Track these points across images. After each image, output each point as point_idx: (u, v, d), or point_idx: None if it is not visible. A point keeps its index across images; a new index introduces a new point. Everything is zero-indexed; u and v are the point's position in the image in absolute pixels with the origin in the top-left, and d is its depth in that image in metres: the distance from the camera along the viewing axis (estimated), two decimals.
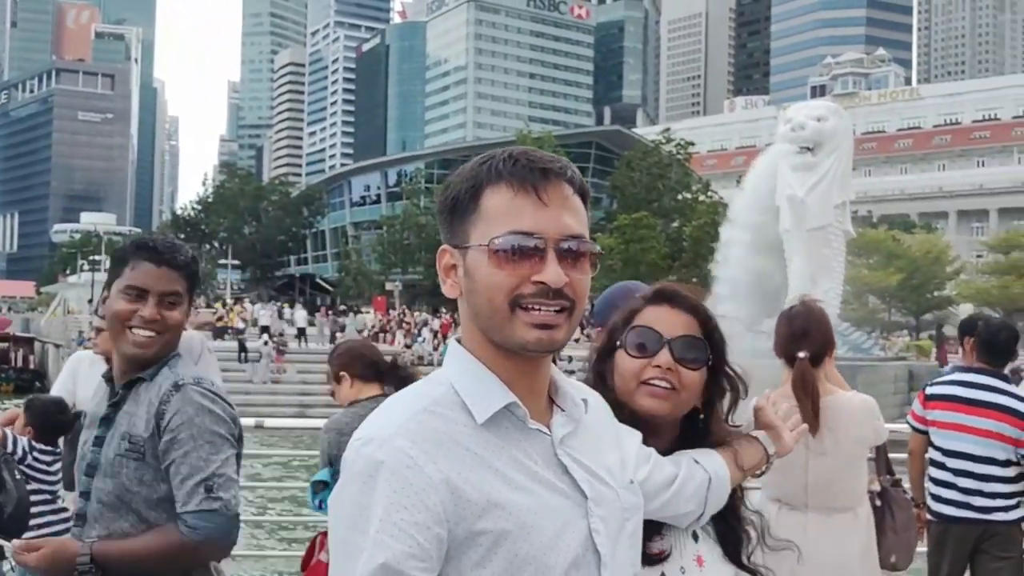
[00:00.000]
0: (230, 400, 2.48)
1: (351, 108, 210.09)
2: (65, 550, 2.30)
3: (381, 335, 40.12)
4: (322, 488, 3.97)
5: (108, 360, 4.90)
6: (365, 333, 37.39)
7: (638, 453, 1.79)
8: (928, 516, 4.63)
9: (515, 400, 1.38)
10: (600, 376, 1.98)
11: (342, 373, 4.09)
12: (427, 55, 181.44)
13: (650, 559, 1.80)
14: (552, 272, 1.33)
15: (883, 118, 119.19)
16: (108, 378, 2.51)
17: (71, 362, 5.44)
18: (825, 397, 3.52)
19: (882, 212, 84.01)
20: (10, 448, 4.01)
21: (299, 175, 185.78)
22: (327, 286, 73.19)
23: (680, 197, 58.29)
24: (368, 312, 44.97)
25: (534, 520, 1.32)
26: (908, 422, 4.87)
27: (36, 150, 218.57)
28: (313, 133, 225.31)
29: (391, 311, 46.44)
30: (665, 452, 1.89)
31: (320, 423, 5.10)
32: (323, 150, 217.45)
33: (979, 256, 70.46)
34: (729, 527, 1.99)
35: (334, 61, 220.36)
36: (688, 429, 2.01)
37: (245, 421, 6.41)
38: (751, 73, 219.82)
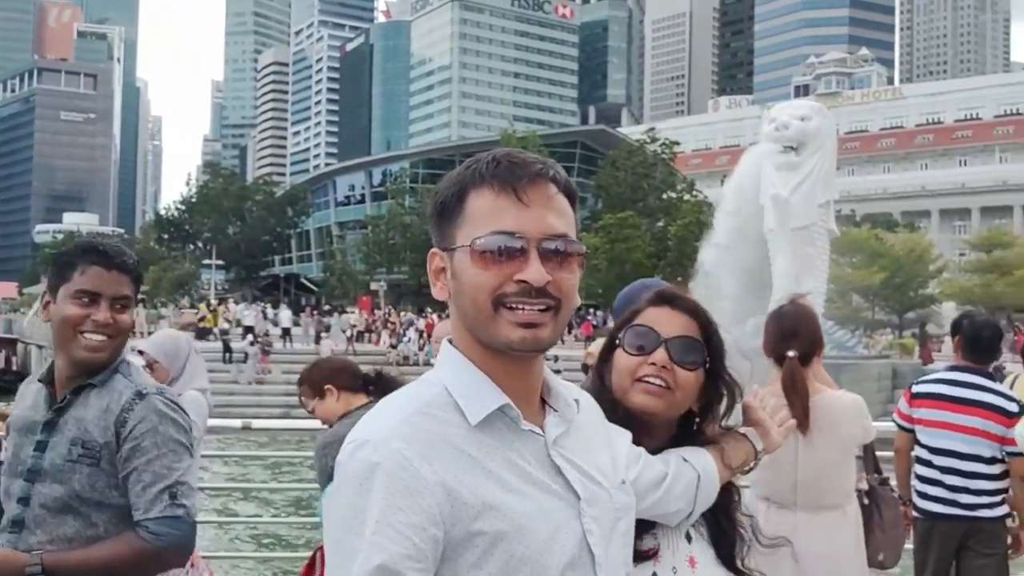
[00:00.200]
0: (187, 410, 2.49)
1: (335, 108, 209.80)
2: (9, 562, 2.22)
3: (366, 335, 40.09)
4: None
5: None
6: (349, 333, 37.34)
7: (628, 453, 1.80)
8: (914, 513, 4.66)
9: (508, 402, 1.38)
10: (601, 376, 2.01)
11: (327, 387, 4.00)
12: (411, 54, 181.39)
13: (640, 556, 1.80)
14: (534, 271, 1.34)
15: (866, 117, 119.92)
16: (48, 381, 2.46)
17: None
18: (814, 396, 3.54)
19: (865, 211, 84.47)
20: None
21: (283, 175, 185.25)
22: (312, 286, 73.03)
23: (665, 196, 58.44)
24: (353, 312, 44.89)
25: (529, 521, 1.33)
26: (894, 420, 4.90)
27: (18, 150, 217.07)
28: (297, 133, 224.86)
29: (376, 311, 46.41)
30: (659, 452, 1.90)
31: (307, 424, 5.07)
32: (307, 150, 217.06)
33: (961, 255, 70.90)
34: (722, 530, 2.00)
35: (318, 60, 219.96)
36: (683, 431, 2.03)
37: (232, 422, 6.44)
38: (735, 73, 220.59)
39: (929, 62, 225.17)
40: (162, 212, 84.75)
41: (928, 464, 4.66)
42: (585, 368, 4.10)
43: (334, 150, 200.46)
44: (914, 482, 4.74)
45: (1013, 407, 4.51)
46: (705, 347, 2.00)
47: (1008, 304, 48.03)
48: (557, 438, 1.44)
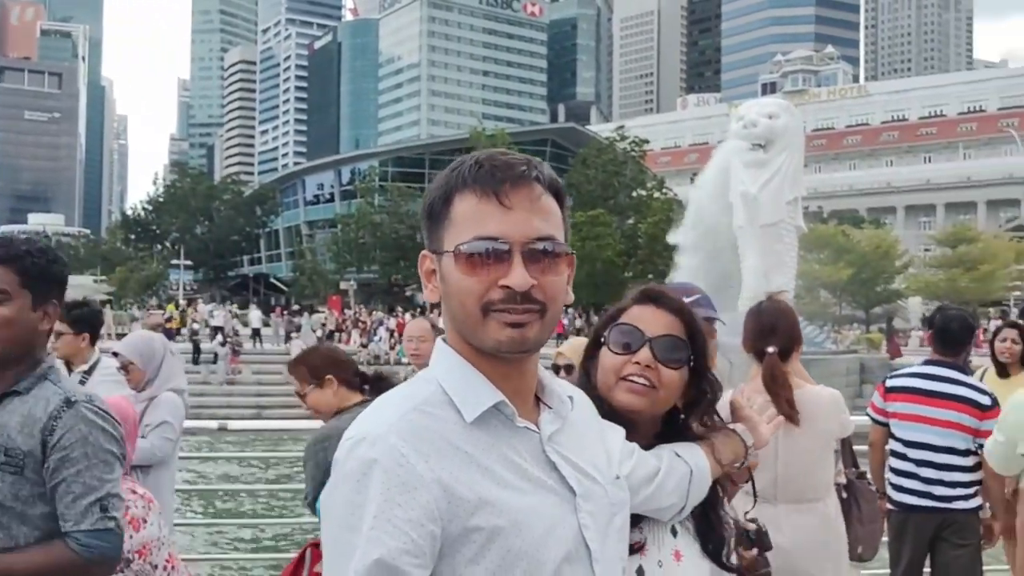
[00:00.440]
0: (117, 418, 2.38)
1: (303, 106, 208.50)
2: None
3: (337, 335, 39.89)
4: None
5: (68, 365, 4.85)
6: (320, 333, 37.14)
7: (622, 448, 1.81)
8: (888, 506, 4.72)
9: (503, 399, 1.39)
10: (587, 373, 2.02)
11: (329, 376, 3.88)
12: (380, 52, 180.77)
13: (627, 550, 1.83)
14: (517, 276, 1.34)
15: (832, 115, 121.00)
16: None
17: None
18: (794, 391, 3.58)
19: (832, 208, 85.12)
20: None
21: (251, 174, 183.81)
22: (281, 286, 72.57)
23: (635, 194, 58.64)
24: (323, 311, 44.67)
25: (525, 517, 1.33)
26: (868, 414, 4.97)
27: None
28: (265, 131, 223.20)
29: (346, 310, 46.20)
30: (646, 449, 1.92)
31: (285, 424, 5.04)
32: (275, 148, 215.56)
33: (926, 250, 71.63)
34: (708, 524, 2.02)
35: (286, 59, 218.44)
36: (668, 428, 2.05)
37: (208, 424, 6.39)
38: (703, 71, 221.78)
39: (894, 60, 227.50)
40: (129, 212, 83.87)
41: (903, 457, 4.72)
42: (556, 368, 4.05)
43: (302, 149, 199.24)
44: (888, 475, 4.81)
45: (986, 400, 4.59)
46: (689, 345, 2.02)
47: (973, 299, 48.57)
48: (552, 435, 1.44)
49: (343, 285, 56.95)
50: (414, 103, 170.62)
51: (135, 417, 3.27)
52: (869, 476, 4.38)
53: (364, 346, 34.84)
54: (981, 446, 4.55)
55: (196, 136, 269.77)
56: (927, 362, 4.86)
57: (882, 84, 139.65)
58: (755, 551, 2.29)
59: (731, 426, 2.14)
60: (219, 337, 32.79)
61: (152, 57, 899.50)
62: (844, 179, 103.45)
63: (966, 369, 4.87)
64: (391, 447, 1.29)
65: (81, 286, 46.14)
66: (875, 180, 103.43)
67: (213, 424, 5.91)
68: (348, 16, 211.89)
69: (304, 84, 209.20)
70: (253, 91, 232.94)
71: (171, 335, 35.94)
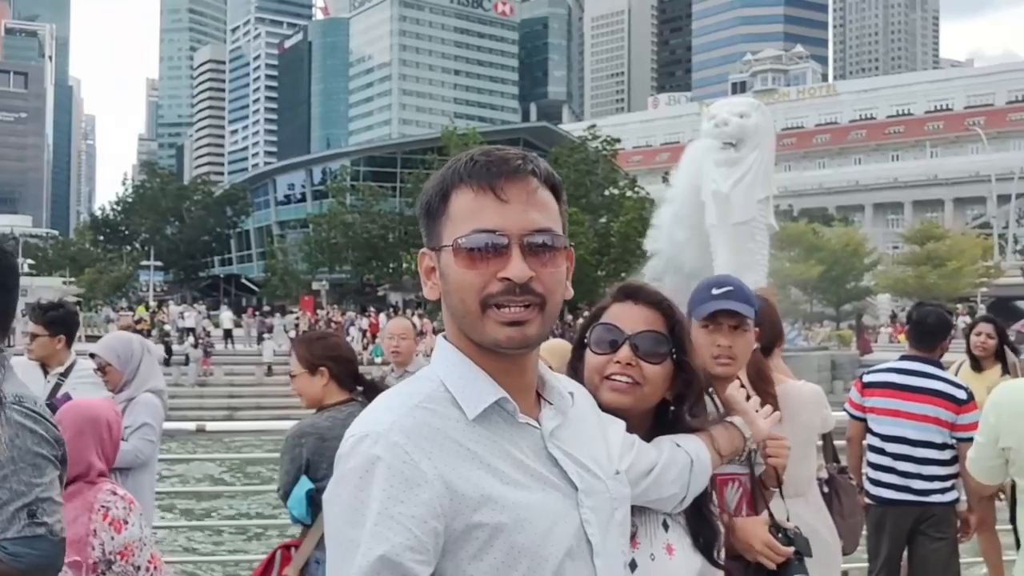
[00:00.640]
0: (52, 419, 2.28)
1: (274, 106, 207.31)
2: None
3: None
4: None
5: (43, 367, 4.80)
6: (292, 334, 36.94)
7: (622, 442, 1.83)
8: (867, 500, 4.76)
9: (505, 395, 1.40)
10: (576, 372, 2.03)
11: (323, 368, 3.85)
12: (351, 51, 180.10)
13: None
14: (516, 268, 1.35)
15: (802, 114, 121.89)
16: None
17: None
18: (777, 386, 3.60)
19: (802, 206, 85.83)
20: None
21: (221, 174, 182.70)
22: (253, 287, 72.11)
23: (607, 193, 58.70)
24: (296, 312, 44.45)
25: (528, 513, 1.34)
26: (846, 410, 5.02)
27: None
28: (235, 131, 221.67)
29: (319, 311, 45.98)
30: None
31: (263, 425, 5.01)
32: (245, 148, 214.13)
33: (895, 247, 72.42)
34: (700, 519, 2.04)
35: (255, 58, 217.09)
36: (659, 421, 2.06)
37: (186, 425, 6.34)
38: (673, 70, 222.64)
39: (861, 59, 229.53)
40: (98, 213, 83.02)
41: (880, 452, 4.77)
42: None
43: (273, 149, 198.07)
44: (866, 470, 4.86)
45: (962, 394, 4.65)
46: (670, 339, 2.03)
47: (941, 295, 49.07)
48: (553, 430, 1.45)
49: (315, 285, 56.68)
50: (385, 102, 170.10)
51: (119, 420, 3.25)
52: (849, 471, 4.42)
53: None
54: (958, 440, 4.61)
55: (165, 136, 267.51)
56: (903, 357, 4.92)
57: (850, 83, 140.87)
58: (791, 549, 2.30)
59: (729, 419, 2.17)
60: (191, 339, 32.56)
61: (120, 56, 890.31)
62: (813, 177, 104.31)
63: (941, 364, 4.92)
64: (394, 444, 1.29)
65: (49, 288, 45.66)
66: (844, 178, 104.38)
67: (191, 426, 5.86)
68: (318, 15, 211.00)
69: (274, 83, 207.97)
70: (223, 91, 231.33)
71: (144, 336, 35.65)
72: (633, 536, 1.88)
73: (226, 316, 39.26)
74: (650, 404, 2.04)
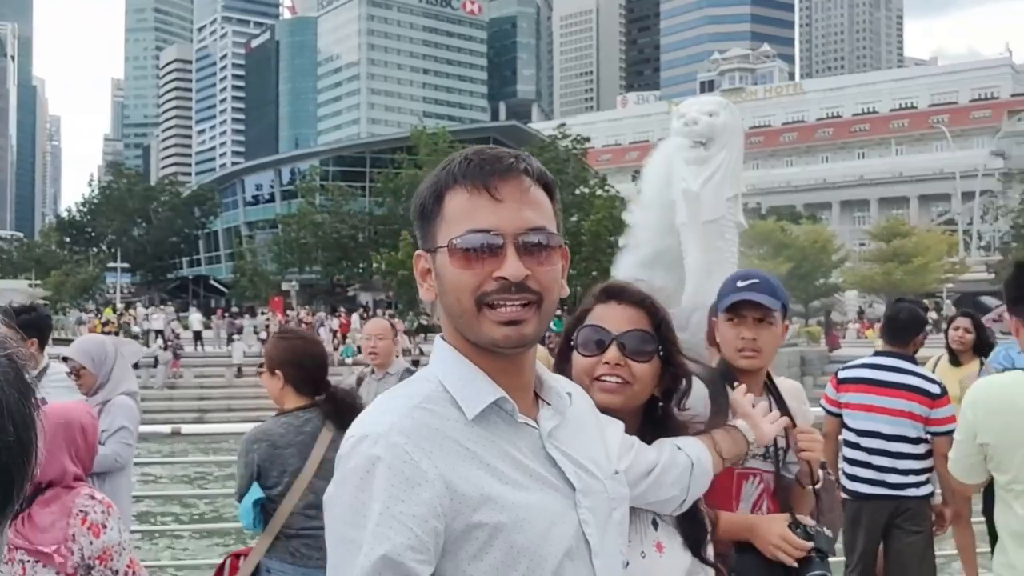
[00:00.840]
0: None
1: (241, 105, 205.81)
2: None
3: None
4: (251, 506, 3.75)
5: None
6: (263, 335, 36.72)
7: (621, 442, 1.83)
8: (842, 495, 4.80)
9: (503, 395, 1.40)
10: (562, 374, 2.03)
11: (279, 371, 3.82)
12: (319, 51, 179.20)
13: None
14: (511, 267, 1.35)
15: (769, 112, 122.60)
16: None
17: None
18: None
19: (770, 204, 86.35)
20: None
21: (189, 174, 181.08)
22: (222, 288, 71.58)
23: (577, 192, 58.84)
24: (266, 313, 44.19)
25: (527, 513, 1.34)
26: (822, 405, 5.06)
27: None
28: (202, 131, 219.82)
29: (288, 311, 45.75)
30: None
31: (240, 428, 4.97)
32: (213, 148, 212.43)
33: (862, 244, 72.98)
34: (689, 518, 2.05)
35: (222, 57, 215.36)
36: (649, 417, 2.08)
37: (161, 428, 6.28)
38: (642, 69, 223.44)
39: (827, 58, 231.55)
40: (64, 214, 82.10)
41: (856, 447, 4.82)
42: None
43: (241, 149, 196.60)
44: (843, 465, 4.91)
45: (935, 389, 4.71)
46: (656, 336, 2.05)
47: (907, 291, 49.64)
48: (552, 431, 1.45)
49: (285, 286, 56.36)
50: (354, 102, 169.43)
51: (95, 424, 3.22)
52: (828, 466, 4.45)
53: None
54: (932, 434, 4.66)
55: (131, 136, 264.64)
56: (877, 353, 4.99)
57: (817, 82, 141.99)
58: (810, 544, 2.31)
59: (732, 422, 2.18)
60: (159, 341, 32.28)
61: (85, 56, 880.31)
62: (781, 175, 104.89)
63: (915, 359, 4.97)
64: (394, 444, 1.30)
65: (15, 290, 45.06)
66: (811, 176, 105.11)
67: (166, 429, 5.81)
68: (286, 14, 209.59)
69: (241, 83, 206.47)
70: (189, 90, 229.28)
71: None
72: None
73: (195, 318, 38.98)
74: (640, 402, 2.06)
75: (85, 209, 75.38)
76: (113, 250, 70.36)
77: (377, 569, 1.23)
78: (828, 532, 2.45)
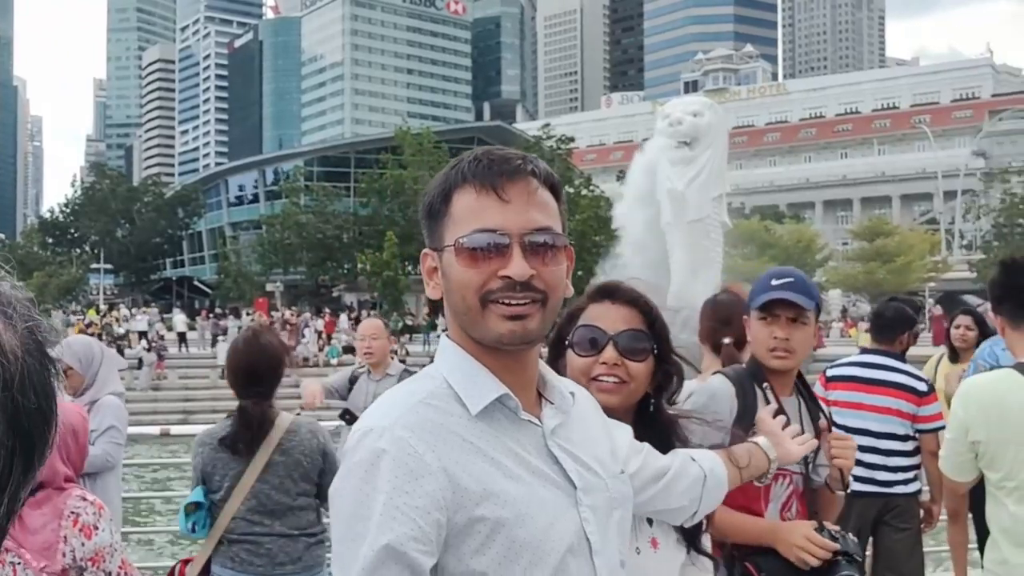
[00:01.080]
0: None
1: (224, 106, 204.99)
2: None
3: None
4: (194, 509, 3.75)
5: None
6: None
7: (630, 445, 1.84)
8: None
9: (507, 392, 1.42)
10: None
11: (224, 378, 3.87)
12: (302, 51, 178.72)
13: None
14: (516, 266, 1.37)
15: (752, 112, 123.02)
16: None
17: None
18: None
19: (754, 204, 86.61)
20: None
21: (172, 175, 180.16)
22: (206, 289, 71.25)
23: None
24: (251, 315, 44.00)
25: (528, 508, 1.35)
26: None
27: None
28: (185, 132, 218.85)
29: (273, 312, 45.58)
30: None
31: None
32: (196, 149, 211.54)
33: (845, 244, 73.36)
34: None
35: (205, 57, 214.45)
36: (641, 414, 2.09)
37: (150, 429, 6.26)
38: (626, 69, 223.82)
39: (810, 58, 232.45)
40: (46, 215, 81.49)
41: None
42: None
43: (224, 149, 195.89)
44: None
45: (922, 386, 4.74)
46: (650, 334, 2.06)
47: (890, 290, 49.92)
48: (555, 428, 1.46)
49: (269, 287, 56.11)
50: (338, 102, 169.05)
51: (85, 424, 3.20)
52: None
53: (292, 348, 34.36)
54: (920, 431, 4.70)
55: (114, 137, 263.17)
56: (864, 351, 5.02)
57: (800, 82, 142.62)
58: (836, 546, 2.31)
59: (753, 439, 2.18)
60: (143, 342, 32.12)
61: (67, 56, 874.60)
62: (765, 175, 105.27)
63: (903, 356, 5.00)
64: (399, 438, 1.32)
65: None
66: (794, 176, 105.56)
67: (154, 430, 5.79)
68: (269, 14, 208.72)
69: (225, 83, 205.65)
70: (172, 91, 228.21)
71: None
72: None
73: (179, 319, 38.80)
74: (636, 399, 2.07)
75: (68, 210, 74.86)
76: (96, 251, 69.91)
77: (380, 558, 1.24)
78: (854, 538, 2.44)
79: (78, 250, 71.81)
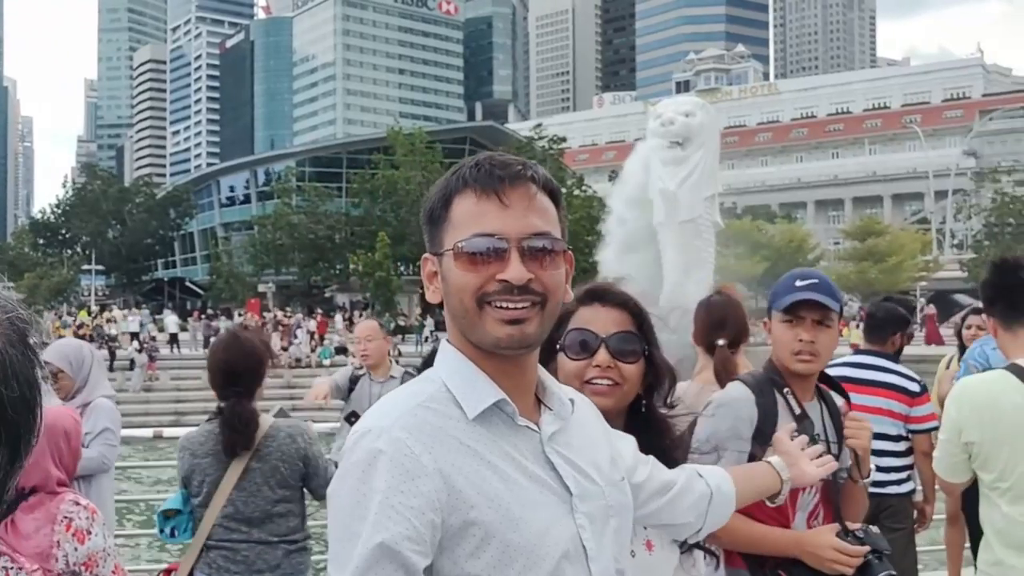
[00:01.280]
0: None
1: (216, 106, 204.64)
2: None
3: None
4: (174, 515, 3.73)
5: None
6: None
7: (636, 455, 1.83)
8: None
9: (504, 397, 1.42)
10: None
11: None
12: (294, 51, 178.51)
13: None
14: (514, 270, 1.39)
15: (744, 112, 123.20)
16: None
17: None
18: None
19: (746, 203, 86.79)
20: None
21: (163, 176, 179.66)
22: (198, 289, 71.12)
23: None
24: (243, 315, 43.93)
25: (523, 513, 1.36)
26: None
27: None
28: (177, 132, 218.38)
29: (265, 313, 45.51)
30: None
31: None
32: (188, 149, 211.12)
33: (836, 243, 73.60)
34: None
35: (197, 58, 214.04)
36: (633, 415, 2.09)
37: (143, 432, 6.25)
38: (618, 69, 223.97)
39: (802, 58, 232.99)
40: (37, 216, 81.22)
41: None
42: None
43: (215, 150, 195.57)
44: None
45: (914, 387, 4.75)
46: (641, 336, 2.07)
47: (882, 289, 50.03)
48: (552, 435, 1.47)
49: (261, 287, 56.05)
50: (329, 102, 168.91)
51: (78, 428, 3.19)
52: None
53: (285, 349, 34.31)
54: (912, 431, 4.71)
55: (105, 138, 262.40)
56: (857, 351, 5.03)
57: (791, 82, 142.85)
58: (866, 548, 2.30)
59: (767, 459, 2.17)
60: (135, 343, 32.04)
61: (57, 57, 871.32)
62: (756, 175, 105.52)
63: (895, 356, 5.01)
64: (396, 439, 1.33)
65: None
66: (786, 176, 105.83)
67: (148, 432, 5.78)
68: (260, 14, 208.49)
69: (216, 84, 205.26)
70: (163, 91, 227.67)
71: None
72: None
73: (171, 320, 38.69)
74: (628, 401, 2.07)
75: (59, 211, 74.61)
76: (87, 252, 69.70)
77: (375, 557, 1.25)
78: (876, 529, 2.41)
79: (69, 251, 71.61)
